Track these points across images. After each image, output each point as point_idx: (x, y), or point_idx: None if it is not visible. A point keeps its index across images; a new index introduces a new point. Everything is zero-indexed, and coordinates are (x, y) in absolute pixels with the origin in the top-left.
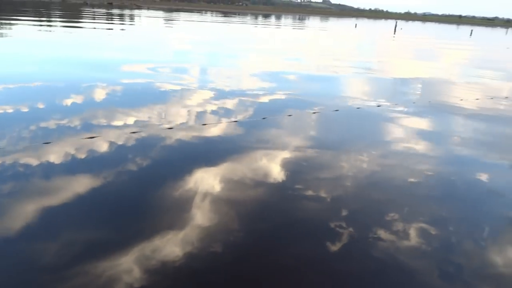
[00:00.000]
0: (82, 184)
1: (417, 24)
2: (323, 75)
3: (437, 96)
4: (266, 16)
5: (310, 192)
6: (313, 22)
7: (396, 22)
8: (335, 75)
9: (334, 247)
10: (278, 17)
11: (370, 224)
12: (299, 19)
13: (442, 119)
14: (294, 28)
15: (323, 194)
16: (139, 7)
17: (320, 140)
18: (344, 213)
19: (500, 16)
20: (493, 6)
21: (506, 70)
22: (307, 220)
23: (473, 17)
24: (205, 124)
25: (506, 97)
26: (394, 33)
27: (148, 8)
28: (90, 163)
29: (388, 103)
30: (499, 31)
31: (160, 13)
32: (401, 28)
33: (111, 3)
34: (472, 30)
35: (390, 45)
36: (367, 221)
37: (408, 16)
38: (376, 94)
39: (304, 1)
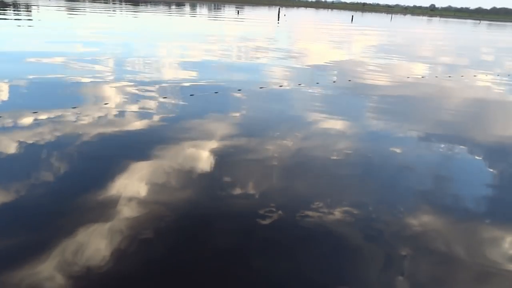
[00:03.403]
0: None
1: (325, 12)
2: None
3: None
4: (179, 5)
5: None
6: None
7: (279, 8)
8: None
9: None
10: (192, 7)
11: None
12: (214, 8)
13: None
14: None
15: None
16: None
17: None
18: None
19: (401, 4)
20: None
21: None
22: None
23: (377, 4)
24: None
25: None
26: (278, 20)
27: None
28: None
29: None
30: (388, 17)
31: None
32: (285, 15)
33: None
34: (352, 16)
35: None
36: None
37: (317, 4)
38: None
39: None
